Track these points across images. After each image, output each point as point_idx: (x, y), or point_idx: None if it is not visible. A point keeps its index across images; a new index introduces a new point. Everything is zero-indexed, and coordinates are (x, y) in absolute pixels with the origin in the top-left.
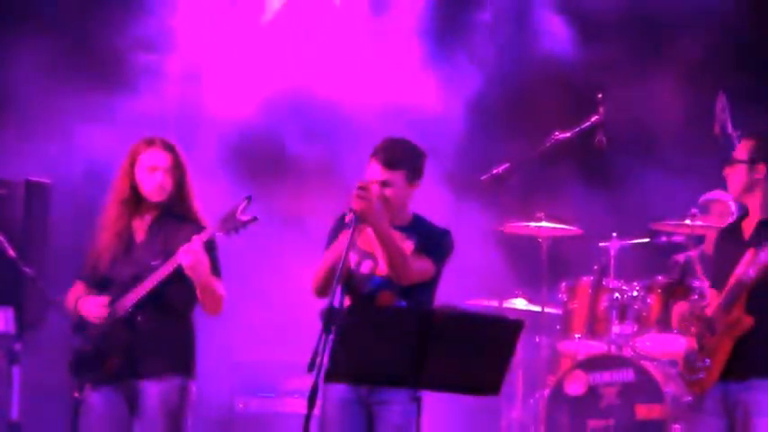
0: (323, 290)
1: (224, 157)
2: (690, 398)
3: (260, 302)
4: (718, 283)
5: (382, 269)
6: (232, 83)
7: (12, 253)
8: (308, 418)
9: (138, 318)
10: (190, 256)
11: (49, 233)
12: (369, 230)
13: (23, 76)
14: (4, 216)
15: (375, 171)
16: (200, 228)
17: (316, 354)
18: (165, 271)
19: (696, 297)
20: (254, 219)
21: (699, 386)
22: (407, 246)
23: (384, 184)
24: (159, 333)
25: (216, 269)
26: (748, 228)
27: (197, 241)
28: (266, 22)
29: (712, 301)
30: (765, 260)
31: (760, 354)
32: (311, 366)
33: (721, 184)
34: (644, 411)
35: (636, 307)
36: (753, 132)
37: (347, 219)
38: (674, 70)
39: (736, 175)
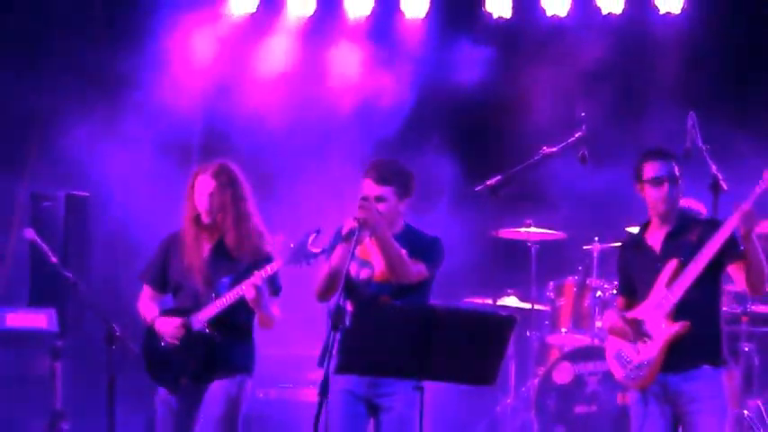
0: (324, 295)
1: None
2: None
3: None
4: (625, 291)
5: (379, 276)
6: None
7: (54, 259)
8: (320, 405)
9: (209, 331)
10: (252, 291)
11: (88, 241)
12: (366, 241)
13: (62, 103)
14: (47, 226)
15: (369, 187)
16: (265, 256)
17: (325, 349)
18: (231, 297)
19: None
20: (324, 251)
21: (640, 383)
22: (414, 264)
23: (378, 198)
24: (226, 344)
25: (275, 290)
26: (651, 239)
27: (258, 277)
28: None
29: (622, 306)
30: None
31: (691, 349)
32: (321, 361)
33: (692, 193)
34: (625, 396)
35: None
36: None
37: (345, 230)
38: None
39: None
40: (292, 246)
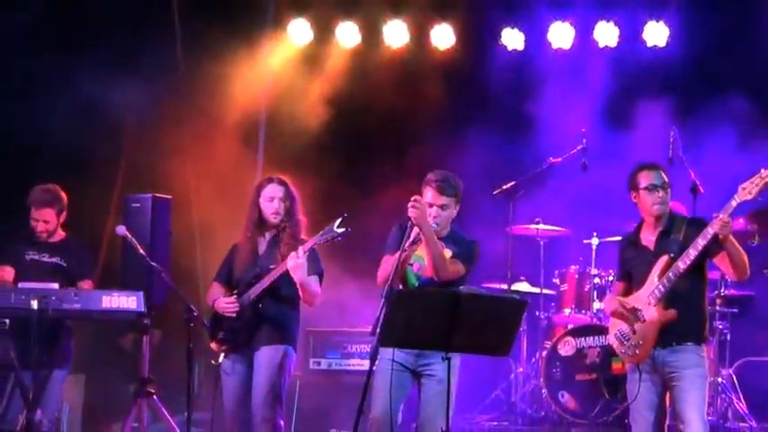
0: (385, 282)
1: None
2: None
3: (327, 285)
4: (624, 279)
5: (428, 272)
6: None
7: (142, 251)
8: (369, 372)
9: (260, 305)
10: (292, 261)
11: (170, 237)
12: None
13: (147, 117)
14: (136, 223)
15: (434, 196)
16: (303, 241)
17: (376, 324)
18: (277, 272)
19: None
20: (347, 230)
21: (636, 358)
22: (447, 252)
23: (442, 207)
24: (273, 315)
25: (315, 269)
26: (646, 238)
27: (300, 251)
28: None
29: (620, 291)
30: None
31: (679, 330)
32: (373, 331)
33: (676, 195)
34: (618, 367)
35: (609, 289)
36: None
37: (413, 234)
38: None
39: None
40: (323, 229)
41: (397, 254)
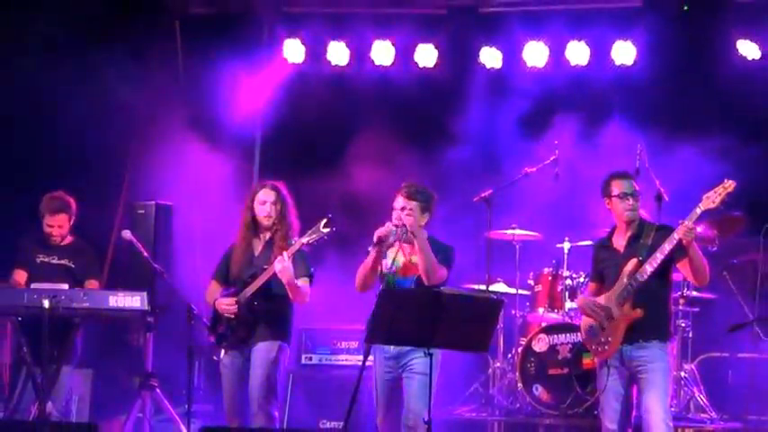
0: (361, 287)
1: None
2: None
3: (318, 286)
4: (596, 280)
5: (402, 271)
6: None
7: (146, 254)
8: (362, 365)
9: (255, 303)
10: (279, 264)
11: (171, 240)
12: (412, 245)
13: (150, 131)
14: (141, 228)
15: (403, 201)
16: (290, 243)
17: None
18: (267, 274)
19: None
20: (332, 230)
21: (605, 354)
22: (439, 268)
23: (403, 209)
24: (268, 313)
25: (303, 270)
26: (617, 242)
27: (285, 255)
28: None
29: (592, 290)
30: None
31: (645, 327)
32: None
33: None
34: (588, 362)
35: (582, 289)
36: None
37: (375, 239)
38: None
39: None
40: (309, 230)
41: (367, 259)
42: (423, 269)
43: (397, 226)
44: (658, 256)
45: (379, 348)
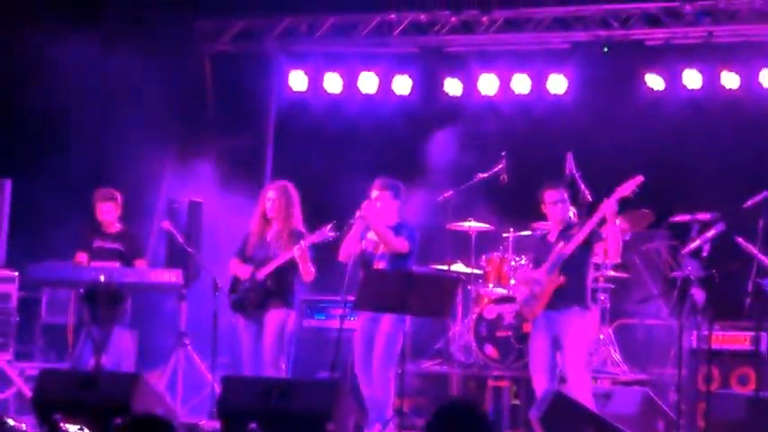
0: (345, 257)
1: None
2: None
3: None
4: (535, 264)
5: (377, 249)
6: None
7: (181, 239)
8: (340, 327)
9: (268, 281)
10: (299, 251)
11: (201, 228)
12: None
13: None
14: (176, 220)
15: (374, 192)
16: (302, 235)
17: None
18: (284, 257)
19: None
20: (336, 234)
21: (532, 314)
22: (400, 240)
23: (377, 198)
24: (279, 286)
25: (312, 257)
26: (552, 236)
27: (303, 243)
28: None
29: (531, 270)
30: (577, 240)
31: (567, 295)
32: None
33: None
34: (527, 327)
35: (522, 270)
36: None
37: (355, 219)
38: None
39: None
40: (319, 229)
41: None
42: (381, 240)
43: (359, 211)
44: (586, 228)
45: (362, 314)
